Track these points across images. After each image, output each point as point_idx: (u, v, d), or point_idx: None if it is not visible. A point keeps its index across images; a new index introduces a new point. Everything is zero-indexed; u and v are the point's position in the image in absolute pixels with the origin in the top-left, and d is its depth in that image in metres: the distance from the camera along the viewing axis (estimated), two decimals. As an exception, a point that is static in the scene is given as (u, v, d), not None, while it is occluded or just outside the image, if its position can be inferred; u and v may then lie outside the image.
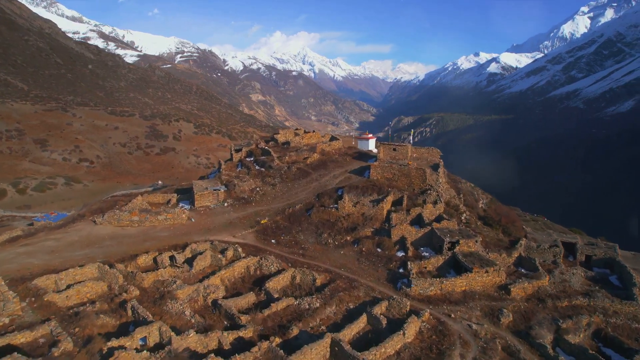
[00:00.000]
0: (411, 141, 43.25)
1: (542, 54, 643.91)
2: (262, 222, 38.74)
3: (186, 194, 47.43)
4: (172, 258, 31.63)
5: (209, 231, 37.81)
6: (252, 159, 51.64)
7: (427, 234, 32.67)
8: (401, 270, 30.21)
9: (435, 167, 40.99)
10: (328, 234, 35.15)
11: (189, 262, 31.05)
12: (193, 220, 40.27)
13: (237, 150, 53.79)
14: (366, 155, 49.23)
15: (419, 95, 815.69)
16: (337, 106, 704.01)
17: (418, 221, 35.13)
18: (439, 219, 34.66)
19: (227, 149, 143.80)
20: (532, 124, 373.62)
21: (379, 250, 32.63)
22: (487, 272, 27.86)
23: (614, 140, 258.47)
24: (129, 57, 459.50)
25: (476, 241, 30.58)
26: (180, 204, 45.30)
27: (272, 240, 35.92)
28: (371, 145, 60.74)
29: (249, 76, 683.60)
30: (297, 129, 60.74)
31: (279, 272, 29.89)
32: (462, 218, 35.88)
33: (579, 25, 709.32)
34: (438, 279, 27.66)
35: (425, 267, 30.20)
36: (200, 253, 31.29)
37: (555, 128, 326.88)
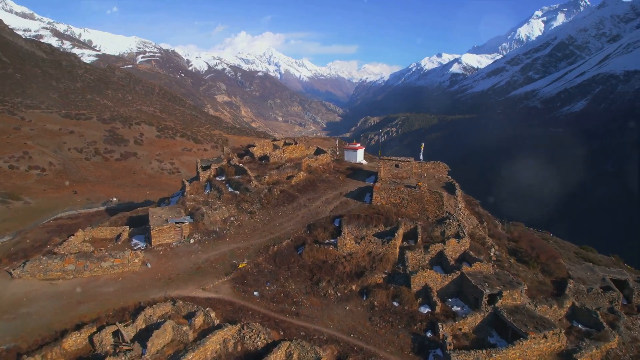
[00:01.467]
0: (421, 157, 36.19)
1: (501, 55, 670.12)
2: (240, 265, 30.32)
3: (142, 226, 37.97)
4: (116, 334, 22.62)
5: (170, 282, 28.87)
6: (223, 178, 42.76)
7: (455, 280, 25.74)
8: (429, 335, 23.02)
9: (450, 189, 34.35)
10: (327, 282, 27.36)
11: (142, 338, 22.23)
12: (149, 265, 31.09)
13: (205, 168, 44.66)
14: (361, 172, 41.83)
15: (384, 95, 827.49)
16: (303, 107, 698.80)
17: (439, 260, 28.18)
18: (465, 257, 27.92)
19: (192, 153, 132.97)
20: (494, 123, 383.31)
21: (395, 304, 25.28)
22: (545, 337, 21.26)
23: (569, 138, 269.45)
24: (87, 57, 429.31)
25: (521, 291, 23.98)
26: (134, 241, 35.84)
27: (255, 293, 27.65)
28: (359, 156, 53.51)
29: (214, 77, 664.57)
30: (275, 140, 52.27)
31: (267, 347, 21.81)
32: (491, 254, 29.48)
33: (534, 29, 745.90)
34: (485, 352, 20.67)
35: (460, 329, 23.20)
36: (158, 327, 22.47)
37: (516, 127, 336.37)
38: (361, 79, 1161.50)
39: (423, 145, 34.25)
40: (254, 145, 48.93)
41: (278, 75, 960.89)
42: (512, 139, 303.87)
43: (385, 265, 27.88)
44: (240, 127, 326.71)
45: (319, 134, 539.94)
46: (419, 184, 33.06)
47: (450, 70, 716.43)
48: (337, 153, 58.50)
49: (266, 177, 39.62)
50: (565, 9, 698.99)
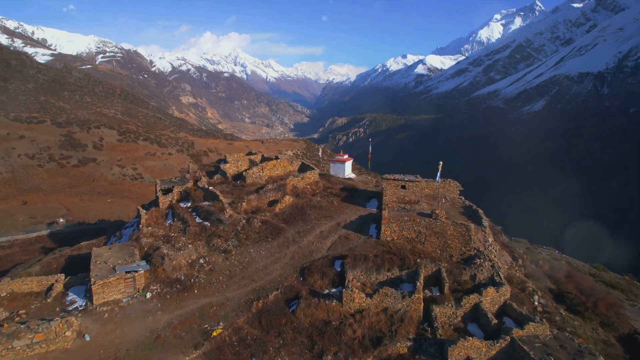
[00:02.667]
0: (438, 178, 29.94)
1: (463, 57, 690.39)
2: (215, 333, 22.75)
3: (83, 273, 29.17)
4: None
5: (116, 366, 20.86)
6: (189, 204, 34.66)
7: (505, 349, 19.64)
8: None
9: (472, 215, 28.34)
10: (334, 355, 20.45)
11: None
12: (88, 337, 22.80)
13: (166, 191, 36.30)
14: (357, 193, 35.14)
15: (351, 96, 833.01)
16: (271, 108, 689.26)
17: (475, 316, 22.10)
18: (506, 310, 21.99)
19: (156, 157, 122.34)
20: (458, 122, 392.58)
21: (430, 387, 18.84)
22: None
23: (530, 137, 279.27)
24: (41, 56, 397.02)
25: (595, 364, 18.29)
26: (70, 296, 27.17)
27: (237, 377, 20.24)
28: (347, 169, 47.02)
29: (179, 78, 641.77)
30: (252, 153, 44.32)
31: None
32: (536, 302, 23.91)
33: (494, 31, 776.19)
34: None
35: None
36: None
37: (479, 126, 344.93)
38: (328, 80, 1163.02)
39: (441, 165, 28.05)
40: (225, 162, 40.95)
41: (244, 76, 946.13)
42: (477, 138, 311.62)
43: (409, 327, 21.36)
44: (206, 130, 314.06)
45: (286, 135, 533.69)
46: (437, 211, 26.96)
47: (415, 71, 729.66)
48: (321, 165, 51.77)
49: (243, 203, 32.00)
50: (522, 13, 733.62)
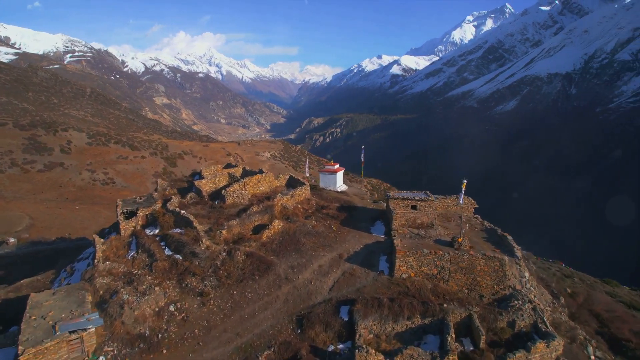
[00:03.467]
0: (461, 199, 25.16)
1: (437, 57, 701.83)
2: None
3: (18, 327, 22.80)
4: None
5: None
6: (157, 231, 28.70)
7: None
8: None
9: (495, 240, 23.84)
10: None
11: None
12: None
13: (129, 215, 30.16)
14: (357, 212, 30.20)
15: (327, 96, 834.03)
16: (247, 108, 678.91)
17: (521, 379, 17.64)
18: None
19: (128, 161, 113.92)
20: (434, 122, 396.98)
21: None
22: None
23: (503, 136, 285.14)
24: (3, 55, 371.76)
25: None
26: (-3, 361, 20.94)
27: None
28: (339, 180, 42.14)
29: (152, 78, 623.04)
30: (231, 166, 38.51)
31: None
32: (591, 356, 19.67)
33: (467, 32, 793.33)
34: None
35: None
36: None
37: (455, 126, 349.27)
38: (304, 80, 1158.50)
39: (465, 183, 23.48)
40: (201, 176, 35.09)
41: (220, 77, 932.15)
42: (453, 138, 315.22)
43: (443, 399, 16.63)
44: (181, 131, 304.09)
45: (263, 136, 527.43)
46: (459, 239, 22.46)
47: (391, 71, 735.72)
48: (307, 175, 46.72)
49: (223, 230, 26.44)
50: (493, 15, 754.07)
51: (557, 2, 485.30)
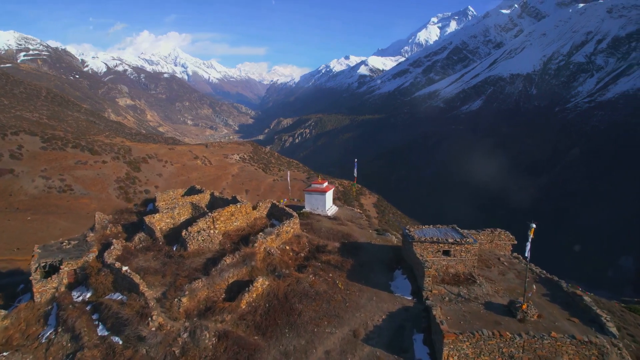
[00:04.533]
0: (527, 251, 17.86)
1: (404, 58, 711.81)
2: None
3: None
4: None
5: None
6: (88, 295, 20.26)
7: None
8: None
9: (587, 317, 17.10)
10: None
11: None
12: None
13: (50, 270, 21.46)
14: (367, 255, 23.01)
15: (296, 97, 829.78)
16: (214, 109, 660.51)
17: None
18: None
19: (88, 166, 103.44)
20: (402, 122, 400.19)
21: None
22: None
23: (469, 135, 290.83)
24: None
25: None
26: None
27: None
28: (328, 201, 34.99)
29: (115, 79, 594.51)
30: (195, 191, 30.11)
31: None
32: None
33: (432, 34, 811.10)
34: None
35: None
36: None
37: (422, 125, 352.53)
38: (272, 81, 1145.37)
39: (534, 229, 16.76)
40: (155, 209, 26.70)
41: (186, 77, 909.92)
42: (420, 137, 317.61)
43: None
44: (146, 133, 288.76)
45: (231, 137, 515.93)
46: (523, 306, 16.02)
47: (358, 71, 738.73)
48: (290, 194, 39.28)
49: (183, 298, 18.46)
50: (457, 17, 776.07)
51: (516, 5, 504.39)
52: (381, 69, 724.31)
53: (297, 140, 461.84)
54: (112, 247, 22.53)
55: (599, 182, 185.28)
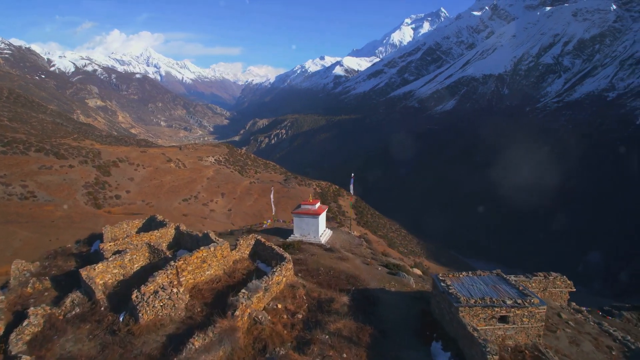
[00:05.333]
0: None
1: (378, 59, 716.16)
2: None
3: None
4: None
5: None
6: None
7: None
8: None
9: None
10: None
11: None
12: None
13: None
14: (389, 314, 16.83)
15: (271, 97, 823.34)
16: (188, 110, 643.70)
17: None
18: None
19: (53, 171, 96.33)
20: (377, 122, 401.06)
21: None
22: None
23: (442, 134, 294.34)
24: None
25: None
26: None
27: None
28: (321, 226, 29.18)
29: (84, 79, 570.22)
30: (155, 224, 23.17)
31: None
32: None
33: (405, 35, 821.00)
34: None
35: None
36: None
37: (397, 125, 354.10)
38: (247, 81, 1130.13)
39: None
40: (100, 252, 19.83)
41: (158, 77, 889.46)
42: (396, 137, 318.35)
43: None
44: (117, 135, 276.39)
45: (206, 139, 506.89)
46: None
47: (333, 72, 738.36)
48: (274, 213, 33.37)
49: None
50: (430, 19, 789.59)
51: (487, 7, 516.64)
52: (356, 69, 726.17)
53: (273, 141, 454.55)
54: (30, 318, 15.70)
55: (567, 179, 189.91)
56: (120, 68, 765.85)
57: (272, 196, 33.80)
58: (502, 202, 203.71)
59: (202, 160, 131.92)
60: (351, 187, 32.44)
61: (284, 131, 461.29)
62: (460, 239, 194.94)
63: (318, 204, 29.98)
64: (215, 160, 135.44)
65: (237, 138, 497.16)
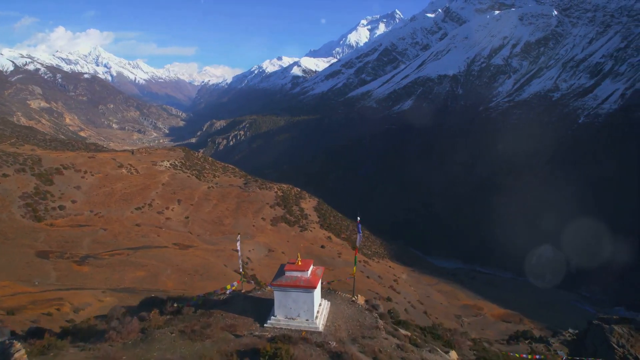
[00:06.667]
0: None
1: (335, 59, 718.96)
2: None
3: None
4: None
5: None
6: None
7: None
8: None
9: None
10: None
11: None
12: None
13: None
14: None
15: (229, 98, 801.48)
16: (142, 112, 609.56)
17: None
18: None
19: None
20: (337, 122, 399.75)
21: None
22: None
23: (401, 133, 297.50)
24: None
25: None
26: None
27: None
28: (316, 302, 18.85)
29: (25, 78, 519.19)
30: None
31: None
32: None
33: (362, 36, 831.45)
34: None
35: None
36: None
37: (356, 125, 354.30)
38: (203, 82, 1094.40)
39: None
40: None
41: (109, 78, 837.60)
42: (355, 137, 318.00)
43: None
44: (64, 139, 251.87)
45: (161, 141, 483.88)
46: None
47: (291, 72, 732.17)
48: (240, 269, 24.62)
49: None
50: (385, 20, 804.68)
51: (440, 10, 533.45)
52: (314, 69, 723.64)
53: (231, 143, 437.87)
54: None
55: (518, 176, 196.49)
56: (66, 67, 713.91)
57: (238, 245, 24.53)
58: (461, 199, 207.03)
59: (156, 165, 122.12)
60: (359, 235, 23.84)
61: (242, 132, 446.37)
62: (422, 237, 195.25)
63: (311, 268, 19.44)
64: (170, 164, 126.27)
65: (194, 140, 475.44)
